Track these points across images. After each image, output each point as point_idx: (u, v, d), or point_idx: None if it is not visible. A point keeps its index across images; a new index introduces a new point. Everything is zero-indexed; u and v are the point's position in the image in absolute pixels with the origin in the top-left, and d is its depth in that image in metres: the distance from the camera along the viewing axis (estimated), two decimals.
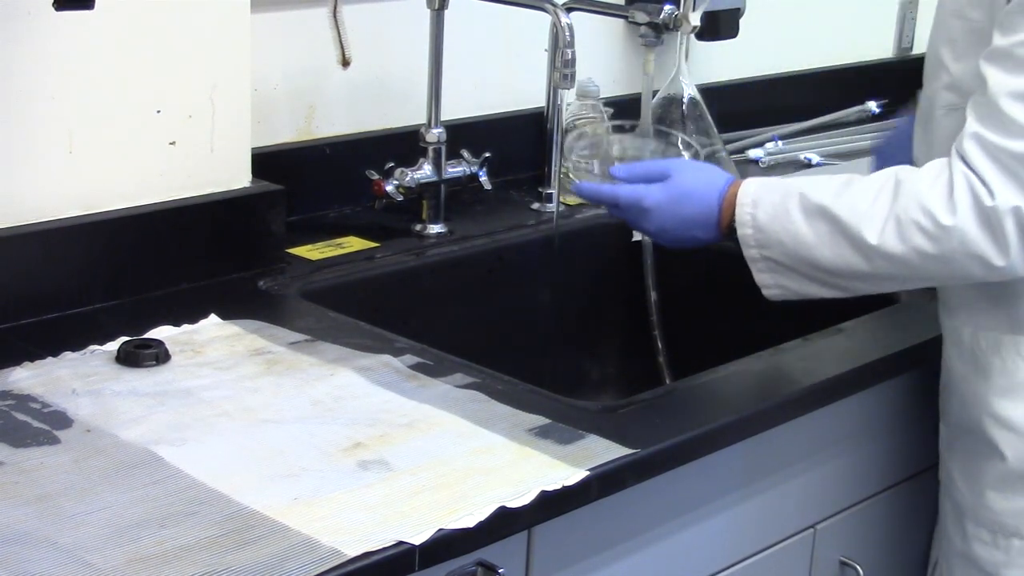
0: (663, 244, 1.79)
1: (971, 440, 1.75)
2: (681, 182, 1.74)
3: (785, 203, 1.65)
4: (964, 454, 1.77)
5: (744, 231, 1.68)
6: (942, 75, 1.71)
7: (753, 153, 2.68)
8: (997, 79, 1.57)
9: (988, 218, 1.55)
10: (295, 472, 1.39)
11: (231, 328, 1.72)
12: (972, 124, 1.58)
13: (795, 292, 1.69)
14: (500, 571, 1.40)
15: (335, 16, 2.17)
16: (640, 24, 2.13)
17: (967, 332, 1.73)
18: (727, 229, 1.70)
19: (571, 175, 1.98)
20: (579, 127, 2.35)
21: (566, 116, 2.37)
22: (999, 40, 1.58)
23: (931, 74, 1.75)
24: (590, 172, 1.97)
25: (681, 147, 2.09)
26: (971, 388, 1.74)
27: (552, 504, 1.40)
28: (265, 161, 1.99)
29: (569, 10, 2.02)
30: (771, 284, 1.69)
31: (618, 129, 2.13)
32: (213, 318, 1.74)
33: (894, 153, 1.84)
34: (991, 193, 1.54)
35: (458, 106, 2.28)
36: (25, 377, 1.56)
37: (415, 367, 1.64)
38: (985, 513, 1.75)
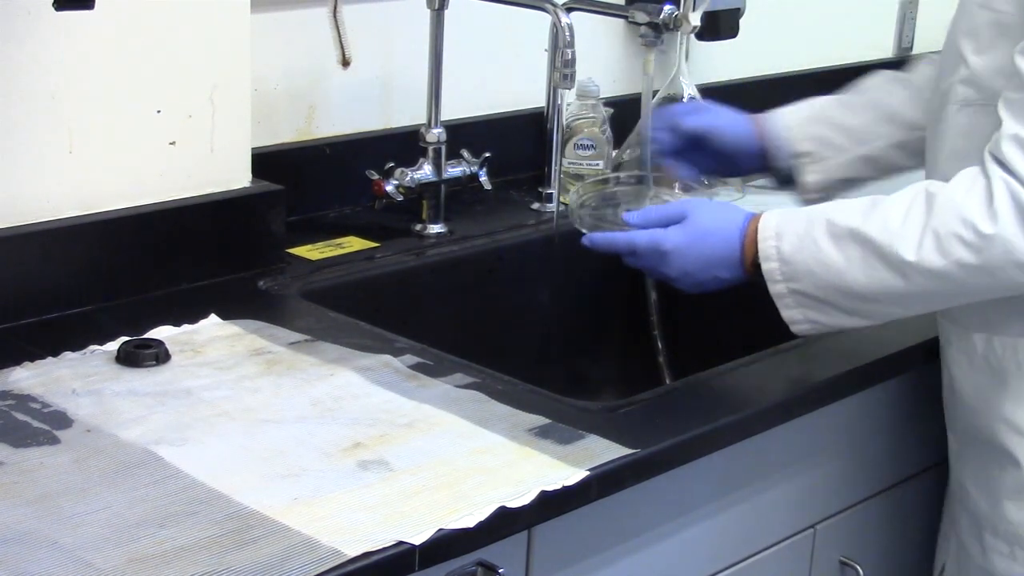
0: (685, 289, 1.69)
1: (984, 449, 1.70)
2: (700, 222, 1.66)
3: (810, 231, 1.59)
4: (977, 464, 1.73)
5: (769, 265, 1.61)
6: (960, 68, 1.63)
7: None
8: None
9: None
10: (295, 472, 1.39)
11: (231, 328, 1.72)
12: (1010, 125, 1.51)
13: (825, 325, 1.63)
14: (500, 571, 1.40)
15: (335, 16, 2.17)
16: (640, 24, 2.13)
17: (980, 338, 1.68)
18: (751, 266, 1.63)
19: (580, 227, 1.83)
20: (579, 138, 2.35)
21: (566, 116, 2.37)
22: None
23: (948, 66, 1.67)
24: (601, 221, 1.85)
25: (679, 189, 2.02)
26: (983, 395, 1.69)
27: (552, 504, 1.40)
28: (265, 161, 1.99)
29: (569, 10, 2.02)
30: (800, 320, 1.63)
31: (616, 181, 2.07)
32: (213, 318, 1.74)
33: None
34: None
35: (458, 106, 2.28)
36: (25, 377, 1.56)
37: (415, 367, 1.64)
38: (1003, 524, 1.70)
